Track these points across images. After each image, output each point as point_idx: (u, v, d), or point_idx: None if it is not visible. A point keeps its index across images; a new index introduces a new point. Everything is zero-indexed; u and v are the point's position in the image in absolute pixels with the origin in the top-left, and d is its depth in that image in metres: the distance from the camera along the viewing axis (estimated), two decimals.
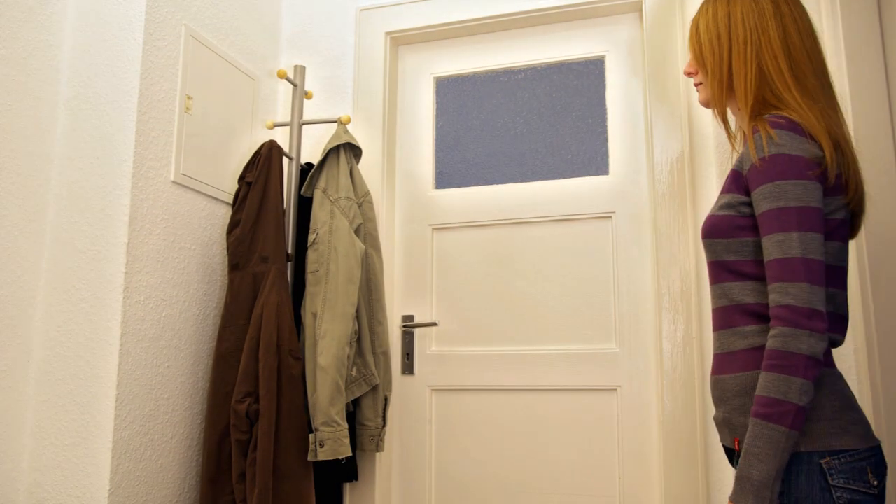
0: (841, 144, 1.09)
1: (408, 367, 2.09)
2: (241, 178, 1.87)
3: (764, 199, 1.05)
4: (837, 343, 1.12)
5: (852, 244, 1.71)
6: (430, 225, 2.15)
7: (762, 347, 1.08)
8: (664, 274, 1.83)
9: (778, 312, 1.00)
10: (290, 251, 1.88)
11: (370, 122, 2.15)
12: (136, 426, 1.59)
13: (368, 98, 2.17)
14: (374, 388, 1.85)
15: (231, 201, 1.92)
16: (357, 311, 1.77)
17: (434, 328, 2.10)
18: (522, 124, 2.13)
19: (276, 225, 1.79)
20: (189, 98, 1.79)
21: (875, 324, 1.63)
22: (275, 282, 1.73)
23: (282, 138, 2.19)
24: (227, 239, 1.80)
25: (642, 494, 1.85)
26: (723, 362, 1.13)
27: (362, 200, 1.89)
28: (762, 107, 1.15)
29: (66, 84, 1.71)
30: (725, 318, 1.14)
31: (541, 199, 2.05)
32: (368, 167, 2.13)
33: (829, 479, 0.99)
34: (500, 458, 1.98)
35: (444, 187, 2.17)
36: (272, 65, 2.22)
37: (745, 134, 1.15)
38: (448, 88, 2.23)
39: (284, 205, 1.90)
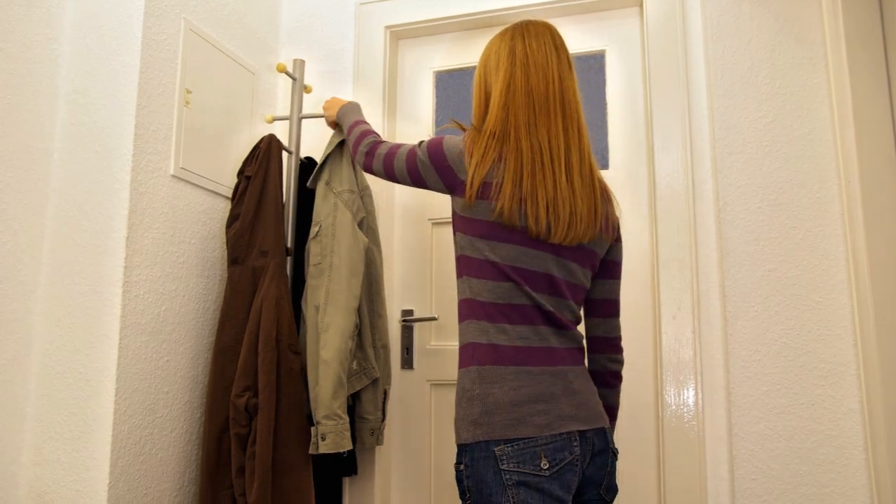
0: (526, 178, 1.26)
1: (407, 362, 2.09)
2: (241, 173, 1.86)
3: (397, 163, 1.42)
4: (545, 336, 1.25)
5: (852, 239, 1.71)
6: (429, 219, 2.15)
7: (462, 347, 1.27)
8: (665, 270, 1.83)
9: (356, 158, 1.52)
10: (289, 245, 1.88)
11: (370, 115, 2.15)
12: (135, 420, 1.59)
13: (368, 92, 2.16)
14: (374, 382, 1.85)
15: (231, 195, 1.92)
16: (358, 304, 1.77)
17: (434, 322, 2.10)
18: None
19: (275, 219, 1.79)
20: (188, 92, 1.79)
21: (874, 319, 1.64)
22: (274, 276, 1.73)
23: (281, 132, 2.19)
24: (227, 233, 1.80)
25: (641, 491, 1.86)
26: None
27: (363, 193, 1.89)
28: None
29: (65, 78, 1.71)
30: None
31: None
32: None
33: (500, 463, 1.15)
34: None
35: None
36: (272, 59, 2.21)
37: None
38: (448, 82, 2.23)
39: (284, 199, 1.90)
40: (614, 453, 1.29)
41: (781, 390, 1.72)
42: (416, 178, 1.36)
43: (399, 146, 1.41)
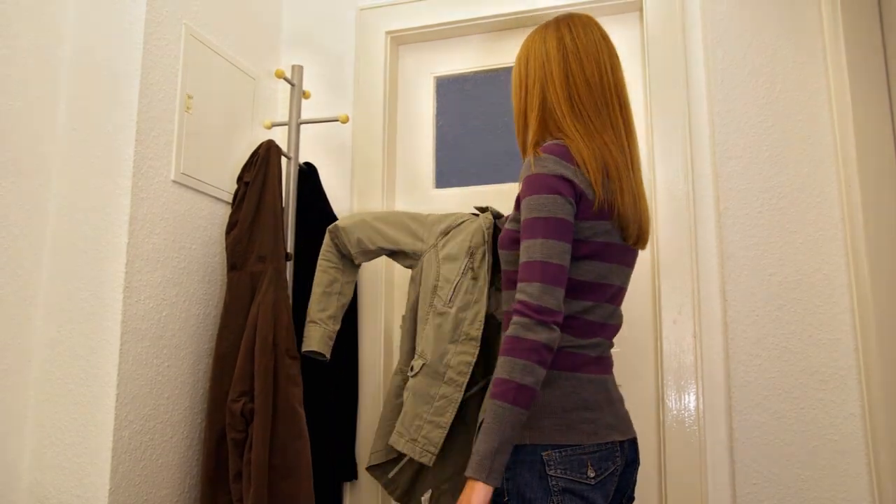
0: (611, 172, 1.19)
1: None
2: (240, 178, 1.87)
3: (522, 212, 1.17)
4: (602, 346, 1.24)
5: (853, 243, 1.70)
6: None
7: None
8: (665, 274, 1.83)
9: (515, 307, 1.11)
10: (289, 250, 1.88)
11: (370, 121, 2.15)
12: (136, 425, 1.59)
13: (369, 97, 2.17)
14: None
15: (231, 201, 1.92)
16: None
17: None
18: None
19: (273, 225, 1.79)
20: (189, 97, 1.79)
21: (875, 324, 1.63)
22: (272, 281, 1.73)
23: (281, 138, 2.19)
24: (226, 239, 1.80)
25: (642, 495, 1.85)
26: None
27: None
28: (547, 137, 1.25)
29: (66, 83, 1.71)
30: (505, 321, 1.27)
31: None
32: (368, 167, 2.13)
33: (548, 469, 1.12)
34: None
35: (445, 187, 2.17)
36: (272, 64, 2.22)
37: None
38: (448, 88, 2.23)
39: (283, 204, 1.90)
40: (639, 464, 1.29)
41: (782, 395, 1.72)
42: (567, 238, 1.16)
43: (536, 262, 1.13)
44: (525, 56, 1.30)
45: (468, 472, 1.07)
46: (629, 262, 1.28)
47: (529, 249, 1.13)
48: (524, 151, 1.30)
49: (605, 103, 1.23)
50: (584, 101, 1.22)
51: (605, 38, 1.29)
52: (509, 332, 1.10)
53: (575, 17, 1.31)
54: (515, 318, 1.10)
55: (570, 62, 1.24)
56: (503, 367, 1.09)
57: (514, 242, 1.22)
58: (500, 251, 1.27)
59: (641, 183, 1.26)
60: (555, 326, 1.10)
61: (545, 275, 1.10)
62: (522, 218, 1.16)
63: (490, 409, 1.09)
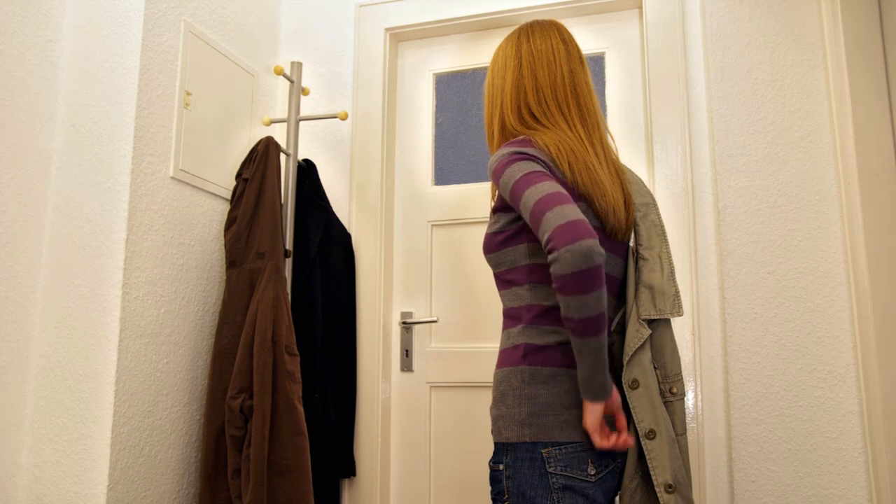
0: (577, 157, 1.21)
1: (407, 364, 2.09)
2: (239, 175, 1.87)
3: (502, 190, 1.18)
4: None
5: (851, 241, 1.71)
6: (429, 221, 2.15)
7: (510, 348, 1.22)
8: None
9: (547, 241, 1.06)
10: (288, 247, 1.88)
11: (369, 118, 2.15)
12: (134, 422, 1.59)
13: (368, 94, 2.17)
14: None
15: (230, 197, 1.92)
16: None
17: (433, 324, 2.10)
18: None
19: (272, 221, 1.79)
20: (188, 94, 1.79)
21: (873, 321, 1.63)
22: (271, 278, 1.73)
23: (280, 134, 2.19)
24: (225, 236, 1.80)
25: None
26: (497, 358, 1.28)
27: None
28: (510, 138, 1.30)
29: (64, 80, 1.71)
30: (502, 321, 1.29)
31: None
32: (367, 164, 2.13)
33: (548, 466, 1.13)
34: None
35: (444, 184, 2.17)
36: (271, 61, 2.22)
37: None
38: (447, 85, 2.23)
39: (282, 201, 1.90)
40: None
41: (780, 392, 1.72)
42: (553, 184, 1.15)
43: (536, 206, 1.11)
44: (491, 68, 1.37)
45: (586, 397, 1.14)
46: (619, 252, 1.28)
47: (525, 202, 1.11)
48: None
49: (557, 107, 1.27)
50: (532, 108, 1.27)
51: (564, 42, 1.32)
52: (555, 268, 1.05)
53: (536, 24, 1.35)
54: (551, 256, 1.05)
55: (524, 70, 1.29)
56: (567, 307, 1.07)
57: (498, 245, 1.25)
58: (485, 256, 1.29)
59: (616, 177, 1.27)
60: (593, 234, 1.04)
61: (552, 201, 1.07)
62: (506, 195, 1.17)
63: (573, 341, 1.11)
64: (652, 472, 1.19)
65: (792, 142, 1.80)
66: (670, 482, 1.17)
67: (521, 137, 1.23)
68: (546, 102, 1.27)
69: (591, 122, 1.29)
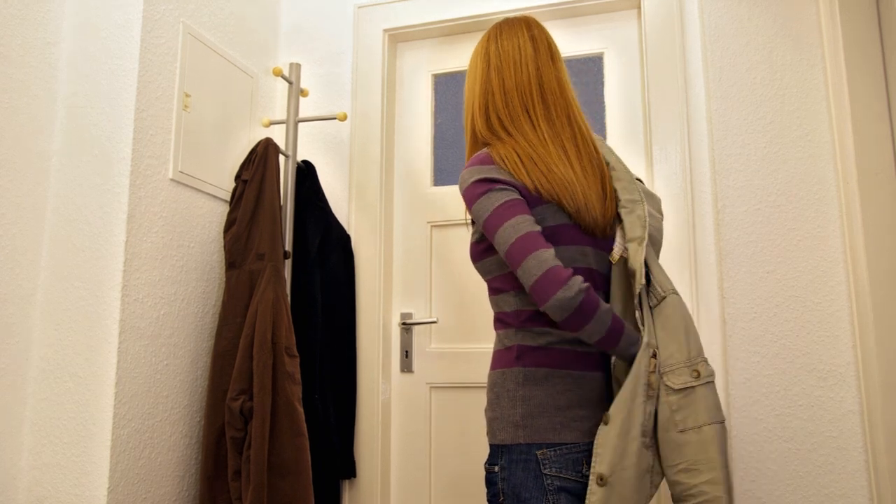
0: (535, 161, 1.21)
1: (406, 365, 2.09)
2: (238, 177, 1.87)
3: (477, 221, 1.21)
4: (570, 338, 1.22)
5: (851, 240, 1.71)
6: (428, 222, 2.15)
7: (503, 349, 1.23)
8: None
9: (531, 293, 1.11)
10: (288, 248, 1.88)
11: (368, 119, 2.15)
12: (134, 424, 1.59)
13: (367, 95, 2.17)
14: None
15: (229, 199, 1.92)
16: None
17: (433, 325, 2.10)
18: None
19: (271, 223, 1.79)
20: (187, 95, 1.79)
21: (873, 320, 1.63)
22: (270, 279, 1.73)
23: (280, 136, 2.19)
24: (224, 237, 1.80)
25: None
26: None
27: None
28: (477, 148, 1.31)
29: (63, 82, 1.71)
30: (494, 324, 1.30)
31: None
32: (367, 164, 2.13)
33: (543, 468, 1.12)
34: None
35: (443, 184, 2.17)
36: (270, 62, 2.22)
37: None
38: (446, 86, 2.23)
39: (282, 202, 1.90)
40: None
41: (780, 392, 1.72)
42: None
43: (512, 244, 1.15)
44: (467, 72, 1.37)
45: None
46: (602, 247, 1.27)
47: (499, 242, 1.15)
48: None
49: (522, 108, 1.26)
50: (499, 111, 1.27)
51: (533, 38, 1.31)
52: (557, 319, 1.11)
53: (505, 23, 1.34)
54: (541, 308, 1.11)
55: (491, 73, 1.29)
56: (580, 337, 1.14)
57: (481, 254, 1.26)
58: (474, 265, 1.30)
59: (594, 172, 1.26)
60: (568, 277, 1.10)
61: (526, 247, 1.12)
62: (479, 226, 1.21)
63: (615, 348, 1.16)
64: (593, 460, 1.13)
65: (791, 141, 1.80)
66: (603, 474, 1.11)
67: (482, 154, 1.23)
68: (512, 104, 1.27)
69: (560, 120, 1.26)
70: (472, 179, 1.20)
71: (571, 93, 1.31)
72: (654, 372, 1.17)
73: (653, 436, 1.16)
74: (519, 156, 1.21)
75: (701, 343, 1.21)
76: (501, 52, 1.30)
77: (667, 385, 1.16)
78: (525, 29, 1.32)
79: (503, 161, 1.20)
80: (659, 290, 1.22)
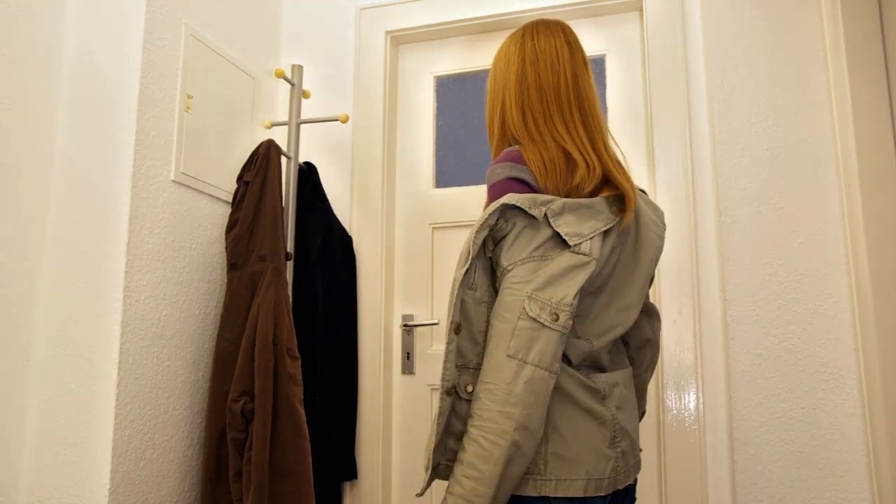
0: (568, 166, 1.19)
1: (408, 367, 2.09)
2: (240, 178, 1.87)
3: None
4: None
5: (853, 242, 1.70)
6: (430, 224, 2.15)
7: None
8: (665, 274, 1.83)
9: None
10: (289, 250, 1.88)
11: (370, 121, 2.15)
12: (136, 425, 1.59)
13: (369, 97, 2.17)
14: None
15: (231, 200, 1.92)
16: None
17: (434, 327, 2.10)
18: None
19: (273, 224, 1.79)
20: (189, 97, 1.79)
21: (875, 323, 1.63)
22: (272, 281, 1.73)
23: (281, 137, 2.20)
24: (226, 239, 1.80)
25: (642, 495, 1.85)
26: None
27: None
28: (506, 144, 1.28)
29: (66, 83, 1.71)
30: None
31: None
32: (368, 166, 2.13)
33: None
34: None
35: (445, 186, 2.17)
36: (272, 64, 2.22)
37: None
38: (448, 87, 2.23)
39: (283, 203, 1.90)
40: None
41: (782, 394, 1.72)
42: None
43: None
44: (494, 65, 1.35)
45: None
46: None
47: None
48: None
49: (558, 108, 1.25)
50: (534, 107, 1.25)
51: (569, 44, 1.30)
52: None
53: (542, 23, 1.33)
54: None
55: (527, 69, 1.27)
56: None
57: None
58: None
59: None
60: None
61: None
62: None
63: None
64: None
65: (793, 143, 1.80)
66: (427, 466, 1.15)
67: (512, 151, 1.21)
68: (547, 102, 1.26)
69: (595, 126, 1.27)
70: (502, 176, 1.19)
71: (599, 103, 1.32)
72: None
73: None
74: (551, 159, 1.19)
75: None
76: (539, 50, 1.28)
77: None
78: (562, 33, 1.31)
79: (530, 165, 1.18)
80: None
